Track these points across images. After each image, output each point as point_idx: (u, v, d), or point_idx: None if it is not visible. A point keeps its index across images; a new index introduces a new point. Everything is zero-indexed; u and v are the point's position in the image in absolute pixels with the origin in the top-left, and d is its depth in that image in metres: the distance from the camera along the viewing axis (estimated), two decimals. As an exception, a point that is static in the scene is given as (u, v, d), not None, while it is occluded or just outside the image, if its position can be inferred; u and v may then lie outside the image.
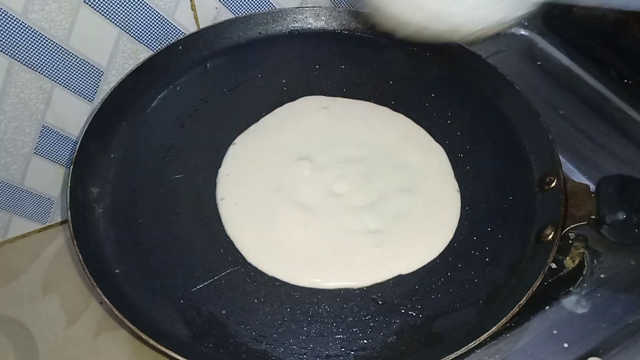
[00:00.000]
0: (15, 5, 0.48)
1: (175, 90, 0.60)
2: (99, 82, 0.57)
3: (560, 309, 0.50)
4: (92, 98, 0.58)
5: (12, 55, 0.50)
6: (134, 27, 0.56)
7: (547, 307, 0.50)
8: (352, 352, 0.44)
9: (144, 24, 0.56)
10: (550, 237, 0.47)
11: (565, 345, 0.48)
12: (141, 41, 0.57)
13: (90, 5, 0.52)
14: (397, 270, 0.48)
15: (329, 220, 0.51)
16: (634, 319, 0.49)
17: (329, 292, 0.47)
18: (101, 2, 0.52)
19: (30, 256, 0.59)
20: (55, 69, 0.53)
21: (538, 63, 0.71)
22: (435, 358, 0.41)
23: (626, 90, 0.67)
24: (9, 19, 0.48)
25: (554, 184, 0.51)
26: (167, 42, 0.59)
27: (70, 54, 0.53)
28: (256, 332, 0.45)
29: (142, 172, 0.54)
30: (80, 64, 0.55)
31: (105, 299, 0.43)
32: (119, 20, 0.54)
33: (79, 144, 0.52)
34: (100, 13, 0.53)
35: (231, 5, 0.62)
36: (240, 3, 0.62)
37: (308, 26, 0.65)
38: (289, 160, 0.55)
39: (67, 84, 0.55)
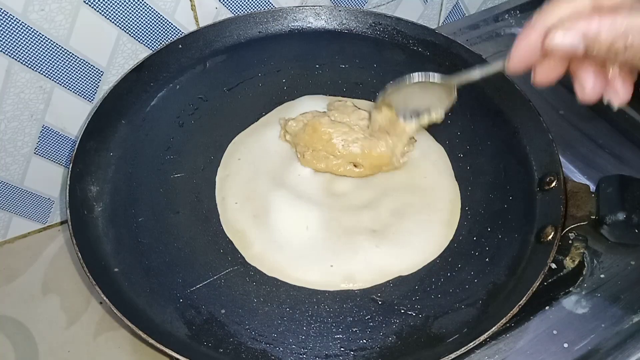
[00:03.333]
0: (15, 5, 0.48)
1: (175, 89, 0.60)
2: (98, 82, 0.57)
3: (560, 309, 0.50)
4: (92, 98, 0.58)
5: (12, 55, 0.50)
6: (134, 27, 0.56)
7: (547, 307, 0.50)
8: (352, 352, 0.44)
9: (144, 24, 0.56)
10: (550, 237, 0.47)
11: (565, 345, 0.48)
12: (141, 41, 0.57)
13: (90, 5, 0.52)
14: (397, 271, 0.48)
15: (329, 220, 0.51)
16: (634, 319, 0.49)
17: (329, 292, 0.47)
18: (101, 2, 0.52)
19: (30, 256, 0.59)
20: (55, 69, 0.53)
21: (538, 63, 0.71)
22: (435, 358, 0.41)
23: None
24: (9, 19, 0.48)
25: (554, 184, 0.51)
26: (167, 43, 0.59)
27: (70, 54, 0.53)
28: (255, 331, 0.45)
29: (141, 171, 0.54)
30: (80, 64, 0.55)
31: (105, 298, 0.43)
32: (119, 20, 0.54)
33: (78, 142, 0.52)
34: (100, 13, 0.53)
35: (231, 5, 0.62)
36: (241, 3, 0.62)
37: (308, 25, 0.65)
38: (289, 160, 0.55)
39: (67, 84, 0.55)
